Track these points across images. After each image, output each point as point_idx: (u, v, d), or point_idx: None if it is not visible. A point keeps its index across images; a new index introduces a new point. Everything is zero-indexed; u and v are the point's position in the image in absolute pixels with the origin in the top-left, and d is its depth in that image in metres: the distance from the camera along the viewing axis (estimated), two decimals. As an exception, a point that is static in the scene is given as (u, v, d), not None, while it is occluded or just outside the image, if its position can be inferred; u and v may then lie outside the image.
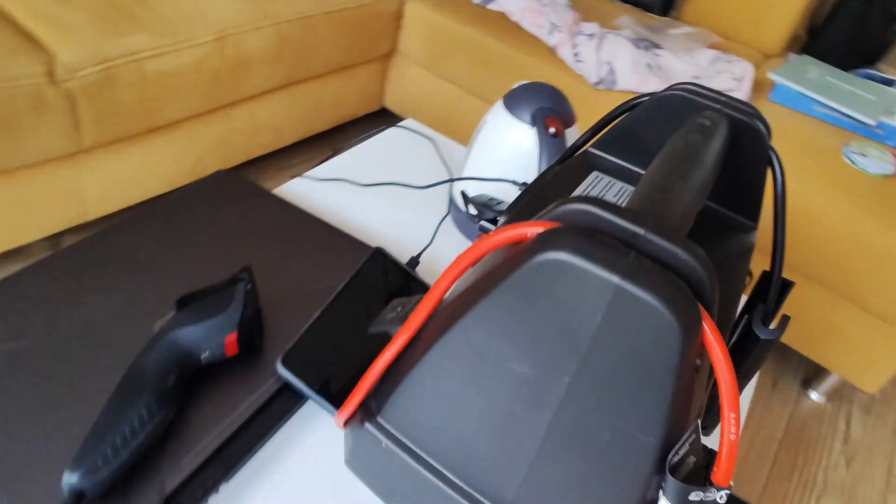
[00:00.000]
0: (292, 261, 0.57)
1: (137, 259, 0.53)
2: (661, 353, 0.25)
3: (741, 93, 1.28)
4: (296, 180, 0.70)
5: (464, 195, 0.55)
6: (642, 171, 0.45)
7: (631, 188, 0.42)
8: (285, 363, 0.46)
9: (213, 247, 0.56)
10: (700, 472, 0.28)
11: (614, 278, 0.25)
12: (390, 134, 0.83)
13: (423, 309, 0.33)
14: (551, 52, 1.38)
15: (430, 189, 0.74)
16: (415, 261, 0.60)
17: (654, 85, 1.24)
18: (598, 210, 0.27)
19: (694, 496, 0.27)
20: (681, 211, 0.29)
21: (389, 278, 0.56)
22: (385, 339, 0.37)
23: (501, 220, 0.37)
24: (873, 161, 1.18)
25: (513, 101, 0.64)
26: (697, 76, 1.30)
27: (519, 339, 0.28)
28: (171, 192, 0.61)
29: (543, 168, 0.58)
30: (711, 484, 0.28)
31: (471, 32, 1.49)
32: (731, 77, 1.28)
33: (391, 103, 1.80)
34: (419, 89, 1.70)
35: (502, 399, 0.30)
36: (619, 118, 0.45)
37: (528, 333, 0.28)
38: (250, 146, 1.51)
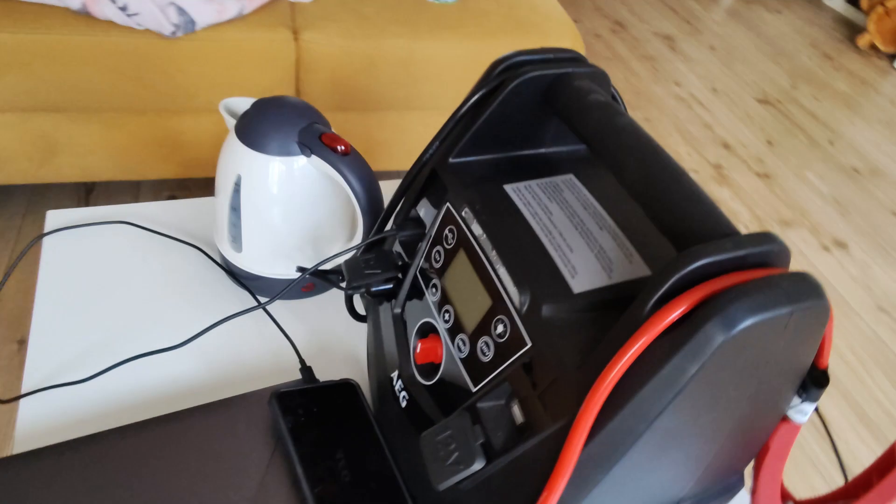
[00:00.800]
0: (205, 481, 0.45)
1: None
2: (817, 329, 0.32)
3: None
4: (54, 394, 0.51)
5: (325, 273, 0.50)
6: (519, 153, 0.47)
7: (546, 180, 0.44)
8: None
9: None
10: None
11: (789, 308, 0.29)
12: (70, 245, 0.63)
13: (581, 432, 0.33)
14: (86, 15, 1.13)
15: (220, 283, 0.62)
16: (306, 367, 0.53)
17: (233, 9, 1.15)
18: (717, 256, 0.30)
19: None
20: (714, 204, 0.34)
21: (315, 409, 0.50)
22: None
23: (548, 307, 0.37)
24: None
25: (254, 137, 0.55)
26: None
27: (708, 405, 0.32)
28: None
29: (363, 195, 0.54)
30: (822, 372, 0.37)
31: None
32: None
33: None
34: None
35: (684, 450, 0.34)
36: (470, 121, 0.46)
37: (720, 393, 0.31)
38: None
